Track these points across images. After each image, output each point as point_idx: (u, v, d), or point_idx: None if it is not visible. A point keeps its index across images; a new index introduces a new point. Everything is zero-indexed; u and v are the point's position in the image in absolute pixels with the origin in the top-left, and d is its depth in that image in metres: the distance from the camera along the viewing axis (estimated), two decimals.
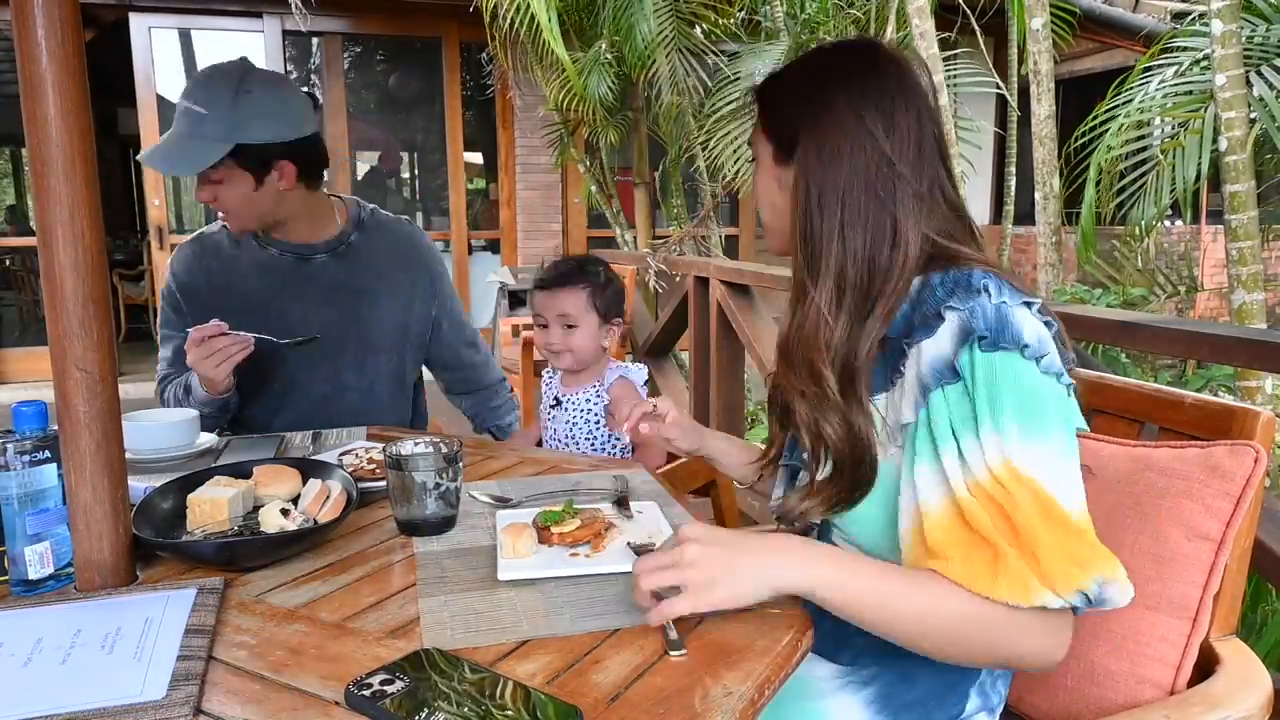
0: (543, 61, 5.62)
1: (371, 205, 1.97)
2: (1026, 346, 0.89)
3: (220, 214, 1.78)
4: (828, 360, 0.99)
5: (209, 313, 1.79)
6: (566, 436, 1.88)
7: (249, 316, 1.78)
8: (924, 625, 0.88)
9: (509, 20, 5.12)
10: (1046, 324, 0.94)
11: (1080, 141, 4.13)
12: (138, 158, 1.76)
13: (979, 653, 0.90)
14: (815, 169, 1.00)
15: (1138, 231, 4.15)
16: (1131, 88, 3.93)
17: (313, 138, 1.76)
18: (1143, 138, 3.96)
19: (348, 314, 1.85)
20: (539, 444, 1.96)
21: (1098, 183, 4.08)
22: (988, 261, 0.99)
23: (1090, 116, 4.05)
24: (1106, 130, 3.95)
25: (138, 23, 6.58)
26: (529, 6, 4.88)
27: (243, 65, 1.70)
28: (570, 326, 1.83)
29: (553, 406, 1.92)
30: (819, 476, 1.04)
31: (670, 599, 0.85)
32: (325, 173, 1.86)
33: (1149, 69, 3.93)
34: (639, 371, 1.91)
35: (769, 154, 1.07)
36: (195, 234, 1.90)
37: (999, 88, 5.33)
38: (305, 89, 1.84)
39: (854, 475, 0.99)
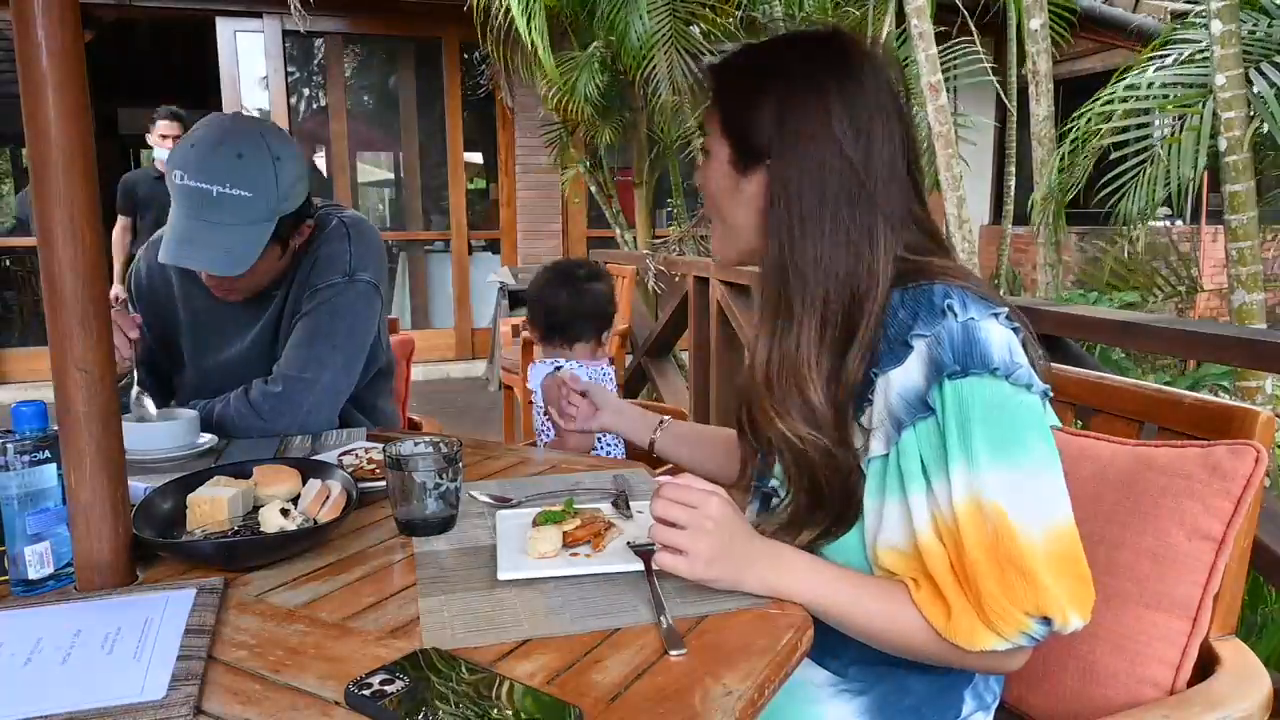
0: (532, 62, 5.63)
1: (322, 207, 1.76)
2: (996, 368, 0.88)
3: (225, 292, 1.63)
4: (819, 390, 0.96)
5: (160, 316, 1.79)
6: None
7: (195, 336, 1.78)
8: (890, 637, 0.94)
9: (499, 22, 5.15)
10: (1015, 330, 0.93)
11: (1081, 134, 4.11)
12: (164, 260, 1.52)
13: (932, 661, 0.95)
14: (790, 189, 0.96)
15: (1127, 228, 4.14)
16: (1127, 77, 3.91)
17: None
18: (1142, 126, 3.94)
19: (271, 343, 1.72)
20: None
21: (1089, 171, 4.06)
22: (952, 269, 0.97)
23: (1088, 103, 4.03)
24: (1098, 122, 3.93)
25: (224, 27, 6.62)
26: (513, 8, 4.91)
27: (251, 129, 1.55)
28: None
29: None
30: (794, 506, 1.03)
31: (669, 554, 0.92)
32: None
33: (1150, 59, 3.91)
34: (579, 368, 2.00)
35: (725, 154, 1.02)
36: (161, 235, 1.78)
37: (998, 89, 5.33)
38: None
39: (840, 510, 0.98)
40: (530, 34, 4.96)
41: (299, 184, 1.58)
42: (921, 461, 0.91)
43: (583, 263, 2.18)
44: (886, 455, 0.93)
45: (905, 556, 0.93)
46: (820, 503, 0.99)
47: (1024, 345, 0.94)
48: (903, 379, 0.92)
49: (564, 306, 2.07)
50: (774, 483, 1.09)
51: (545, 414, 1.99)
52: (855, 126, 0.95)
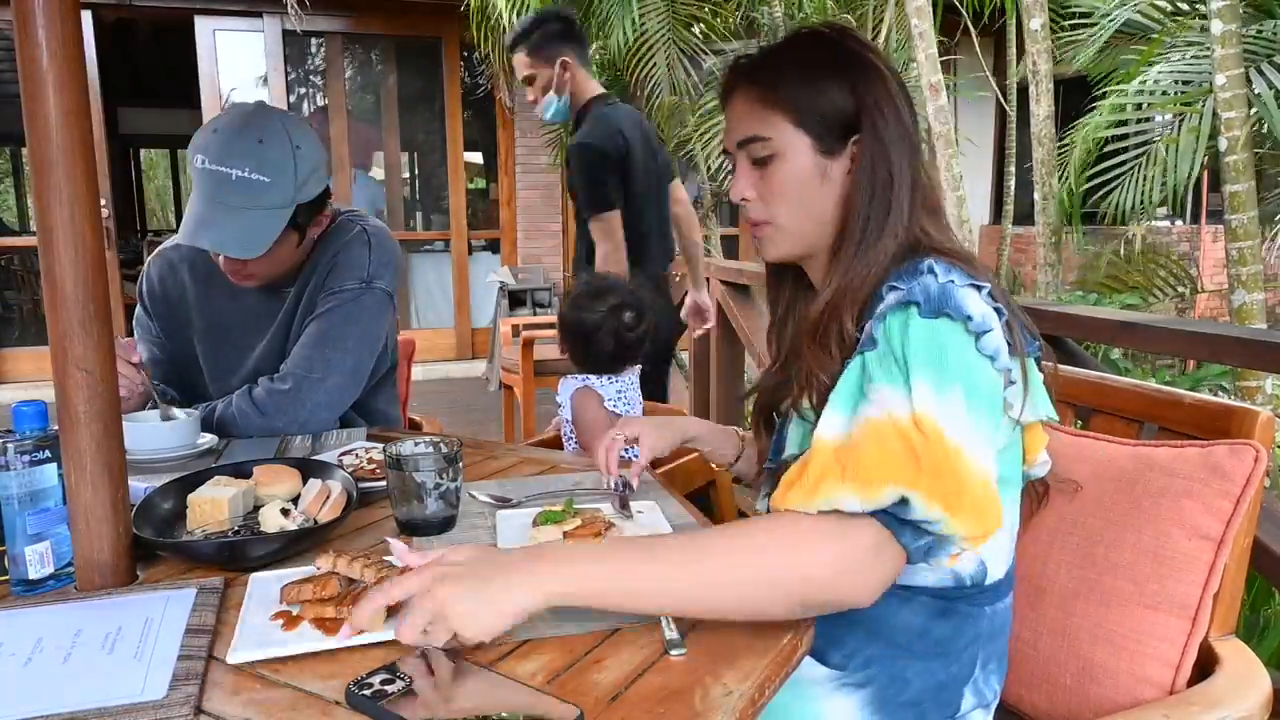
0: None
1: (347, 212, 1.78)
2: (970, 318, 0.90)
3: (241, 278, 1.63)
4: (853, 315, 1.00)
5: (173, 325, 1.79)
6: (567, 438, 1.94)
7: (210, 340, 1.78)
8: (689, 589, 0.85)
9: (494, 23, 5.16)
10: (997, 311, 0.94)
11: (1090, 135, 4.10)
12: (181, 240, 1.52)
13: (754, 589, 0.85)
14: (882, 153, 1.01)
15: (1124, 226, 4.14)
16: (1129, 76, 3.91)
17: None
18: (1142, 122, 3.93)
19: (284, 342, 1.73)
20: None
21: (1083, 169, 4.06)
22: (952, 249, 1.01)
23: (1088, 105, 4.02)
24: (1091, 121, 3.94)
25: (202, 25, 6.62)
26: (510, 7, 4.93)
27: (273, 118, 1.56)
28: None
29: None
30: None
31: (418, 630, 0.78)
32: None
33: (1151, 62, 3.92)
34: (603, 384, 1.85)
35: (806, 146, 1.04)
36: (173, 242, 1.78)
37: (996, 90, 5.33)
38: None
39: None
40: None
41: (317, 173, 1.60)
42: (858, 381, 0.92)
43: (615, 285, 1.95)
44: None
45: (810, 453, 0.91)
46: None
47: (1009, 328, 0.94)
48: (868, 326, 0.95)
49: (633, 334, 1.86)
50: (786, 455, 1.11)
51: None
52: (908, 104, 1.04)
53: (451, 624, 0.77)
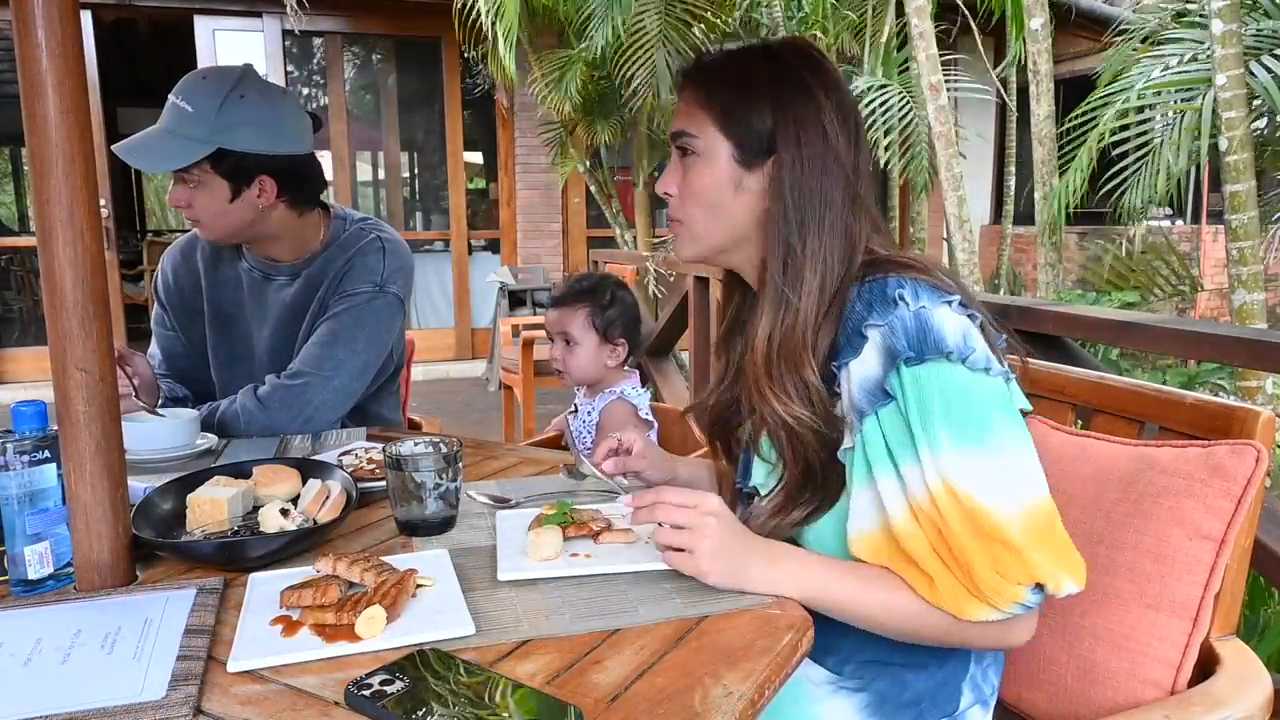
0: (526, 62, 5.64)
1: (361, 220, 1.82)
2: (950, 352, 0.91)
3: (190, 222, 1.68)
4: (813, 365, 0.99)
5: (187, 315, 1.83)
6: (578, 441, 1.96)
7: (216, 326, 1.81)
8: (886, 620, 0.96)
9: (481, 22, 5.18)
10: (970, 317, 0.95)
11: (1077, 123, 4.09)
12: (112, 147, 1.61)
13: (935, 641, 0.97)
14: (797, 184, 1.00)
15: (1127, 224, 4.13)
16: (1128, 76, 3.90)
17: (305, 158, 1.68)
18: (1144, 122, 3.93)
19: (288, 339, 1.75)
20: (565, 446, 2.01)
21: (1087, 170, 4.04)
22: (910, 261, 1.00)
23: (1084, 102, 4.01)
24: (1096, 121, 3.93)
25: (202, 25, 6.63)
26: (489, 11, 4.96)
27: (243, 70, 1.62)
28: (570, 343, 1.90)
29: (572, 413, 2.00)
30: (787, 486, 1.04)
31: (674, 553, 0.94)
32: (320, 196, 1.76)
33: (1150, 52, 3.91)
34: (639, 395, 1.91)
35: (726, 152, 1.04)
36: (190, 232, 1.82)
37: (996, 90, 5.32)
38: (310, 111, 1.73)
39: (828, 487, 1.01)
40: (495, 30, 5.01)
41: (251, 129, 1.58)
42: (887, 447, 0.93)
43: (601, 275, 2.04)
44: (852, 447, 0.96)
45: (873, 541, 0.95)
46: (810, 480, 1.02)
47: (982, 329, 0.96)
48: (861, 370, 0.95)
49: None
50: (754, 483, 1.12)
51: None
52: (845, 130, 1.02)
53: (698, 563, 0.93)
